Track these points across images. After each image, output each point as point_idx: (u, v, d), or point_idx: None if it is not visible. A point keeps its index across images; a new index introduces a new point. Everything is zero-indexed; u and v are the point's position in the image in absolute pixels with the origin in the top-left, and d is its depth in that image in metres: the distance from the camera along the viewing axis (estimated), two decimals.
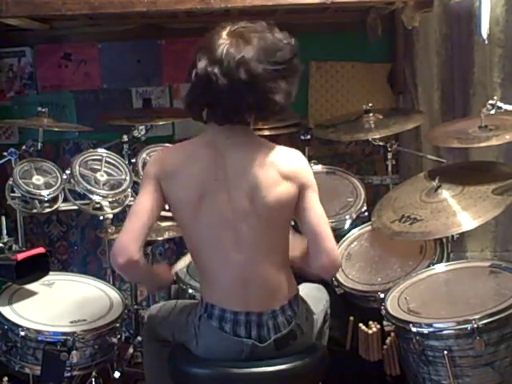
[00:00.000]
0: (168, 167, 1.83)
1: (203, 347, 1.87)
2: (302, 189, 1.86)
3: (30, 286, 2.41)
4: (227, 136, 1.86)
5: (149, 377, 2.16)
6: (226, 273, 1.83)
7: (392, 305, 2.21)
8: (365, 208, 2.81)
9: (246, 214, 1.81)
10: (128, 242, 1.78)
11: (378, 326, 2.36)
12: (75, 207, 2.83)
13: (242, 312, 1.83)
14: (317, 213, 1.88)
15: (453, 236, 2.49)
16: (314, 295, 2.09)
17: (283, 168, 1.84)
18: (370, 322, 2.39)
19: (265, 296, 1.85)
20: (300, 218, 1.89)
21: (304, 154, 2.04)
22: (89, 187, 2.73)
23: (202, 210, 1.81)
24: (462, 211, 2.40)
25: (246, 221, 1.81)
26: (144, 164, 2.86)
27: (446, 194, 2.51)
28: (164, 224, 2.81)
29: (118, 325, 2.36)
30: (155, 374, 2.12)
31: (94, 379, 2.41)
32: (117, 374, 2.51)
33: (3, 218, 2.60)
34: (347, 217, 2.76)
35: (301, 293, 1.98)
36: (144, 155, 2.89)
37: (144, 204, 1.83)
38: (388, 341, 2.33)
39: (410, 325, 2.07)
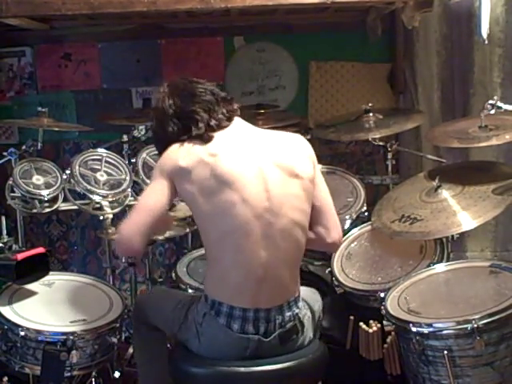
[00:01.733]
0: (181, 165, 1.84)
1: (206, 344, 1.88)
2: (314, 166, 1.96)
3: (30, 286, 2.41)
4: (239, 128, 1.94)
5: (139, 360, 2.19)
6: (242, 270, 1.83)
7: (392, 304, 2.21)
8: (365, 208, 2.81)
9: (281, 206, 1.83)
10: (134, 237, 1.82)
11: (379, 325, 2.36)
12: (75, 207, 2.83)
13: (251, 309, 1.84)
14: (326, 188, 2.00)
15: (453, 236, 2.48)
16: (309, 296, 2.10)
17: (305, 149, 1.96)
18: (371, 321, 2.39)
19: (275, 293, 1.87)
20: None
21: None
22: (89, 187, 2.73)
23: (227, 200, 1.81)
24: (462, 211, 2.40)
25: (280, 214, 1.83)
26: (144, 164, 2.86)
27: (445, 193, 2.51)
28: None
29: (117, 325, 2.36)
30: (144, 357, 2.14)
31: (93, 379, 2.41)
32: (117, 374, 2.51)
33: (3, 218, 2.60)
34: (347, 217, 2.76)
35: None
36: (144, 155, 2.89)
37: (152, 200, 1.86)
38: (388, 340, 2.33)
39: (410, 325, 2.07)
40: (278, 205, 1.83)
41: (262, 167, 1.85)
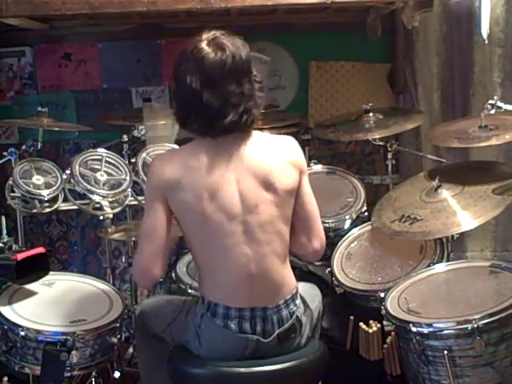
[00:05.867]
0: (169, 177, 1.82)
1: (206, 346, 1.87)
2: (300, 174, 1.92)
3: (30, 286, 2.40)
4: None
5: (143, 372, 2.17)
6: (232, 269, 1.84)
7: (392, 304, 2.21)
8: (365, 208, 2.81)
9: (257, 205, 1.83)
10: (150, 265, 1.84)
11: (379, 325, 2.36)
12: (75, 207, 2.83)
13: (247, 308, 1.84)
14: (312, 198, 1.97)
15: (453, 236, 2.48)
16: (309, 292, 2.10)
17: (289, 155, 1.90)
18: (371, 321, 2.39)
19: (270, 291, 1.87)
20: (296, 203, 1.93)
21: (304, 153, 2.07)
22: (89, 187, 2.72)
23: (210, 209, 1.81)
24: (462, 211, 2.40)
25: (256, 212, 1.83)
26: (144, 164, 2.86)
27: (445, 193, 2.51)
28: None
29: (117, 325, 2.36)
30: (150, 369, 2.13)
31: (93, 379, 2.41)
32: (117, 374, 2.51)
33: (3, 218, 2.60)
34: (347, 217, 2.76)
35: None
36: (144, 155, 2.89)
37: (156, 223, 1.84)
38: (388, 340, 2.33)
39: (410, 325, 2.07)
40: (252, 206, 1.83)
41: (238, 177, 1.83)
